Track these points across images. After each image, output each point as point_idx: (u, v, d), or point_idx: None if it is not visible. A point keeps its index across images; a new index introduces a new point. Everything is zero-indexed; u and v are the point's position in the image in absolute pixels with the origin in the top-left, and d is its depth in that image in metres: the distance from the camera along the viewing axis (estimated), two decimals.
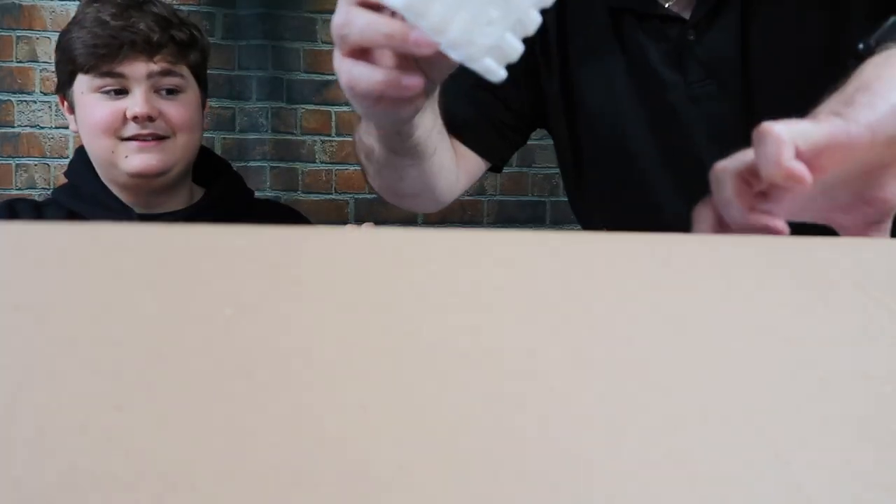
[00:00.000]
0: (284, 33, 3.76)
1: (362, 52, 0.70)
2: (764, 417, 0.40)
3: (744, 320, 0.44)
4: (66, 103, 1.39)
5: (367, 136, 0.94)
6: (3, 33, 3.54)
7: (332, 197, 3.83)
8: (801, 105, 1.01)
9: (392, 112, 0.76)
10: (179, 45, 1.34)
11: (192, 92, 1.37)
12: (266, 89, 3.76)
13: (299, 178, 3.78)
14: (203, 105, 1.41)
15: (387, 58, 0.69)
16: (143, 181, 1.34)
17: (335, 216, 3.81)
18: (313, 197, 3.79)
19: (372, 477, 0.34)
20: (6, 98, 3.54)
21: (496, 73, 0.66)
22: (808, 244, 0.50)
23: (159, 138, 1.33)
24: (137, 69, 1.31)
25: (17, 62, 3.58)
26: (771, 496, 0.38)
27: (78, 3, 3.46)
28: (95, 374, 0.33)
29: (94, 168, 1.38)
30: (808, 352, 0.43)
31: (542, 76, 1.11)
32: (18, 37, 3.57)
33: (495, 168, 1.16)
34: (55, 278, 0.36)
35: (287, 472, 0.33)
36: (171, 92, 1.34)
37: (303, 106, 3.77)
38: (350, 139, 3.85)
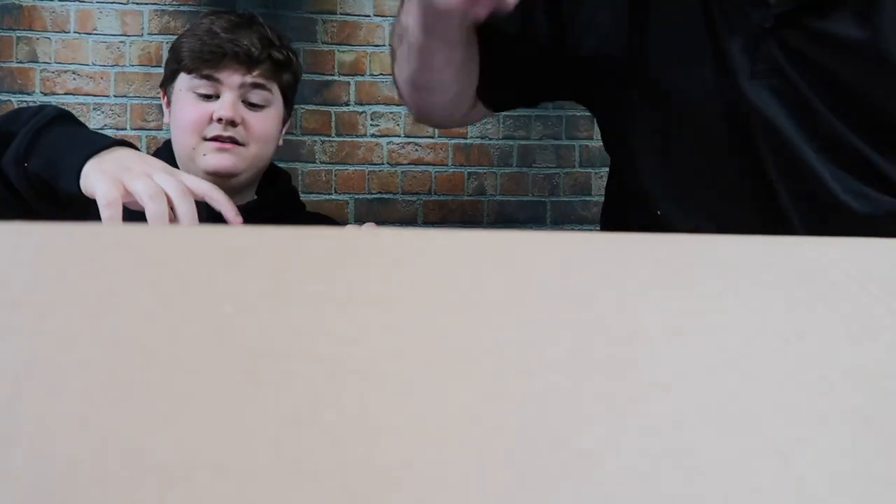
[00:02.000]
0: (284, 33, 3.76)
1: None
2: (764, 416, 0.40)
3: (744, 319, 0.44)
4: (165, 97, 1.53)
5: (407, 15, 0.99)
6: (3, 33, 3.54)
7: (333, 197, 3.83)
8: (857, 118, 0.96)
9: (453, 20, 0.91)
10: (275, 63, 1.50)
11: (276, 109, 1.50)
12: None
13: (299, 178, 3.78)
14: (284, 122, 1.54)
15: None
16: (215, 179, 1.46)
17: (335, 216, 3.81)
18: (313, 197, 3.78)
19: (373, 476, 0.34)
20: (6, 98, 3.54)
21: None
22: (808, 244, 0.50)
23: (236, 143, 1.45)
24: (233, 78, 1.46)
25: (17, 62, 3.58)
26: (772, 494, 0.38)
27: (77, 3, 3.47)
28: (95, 373, 0.33)
29: (174, 161, 1.49)
30: (808, 350, 0.43)
31: (615, 39, 1.07)
32: (18, 37, 3.57)
33: (495, 107, 1.16)
34: (55, 278, 0.36)
35: (287, 471, 0.33)
36: (257, 106, 1.48)
37: (303, 106, 3.77)
38: (350, 139, 3.82)
